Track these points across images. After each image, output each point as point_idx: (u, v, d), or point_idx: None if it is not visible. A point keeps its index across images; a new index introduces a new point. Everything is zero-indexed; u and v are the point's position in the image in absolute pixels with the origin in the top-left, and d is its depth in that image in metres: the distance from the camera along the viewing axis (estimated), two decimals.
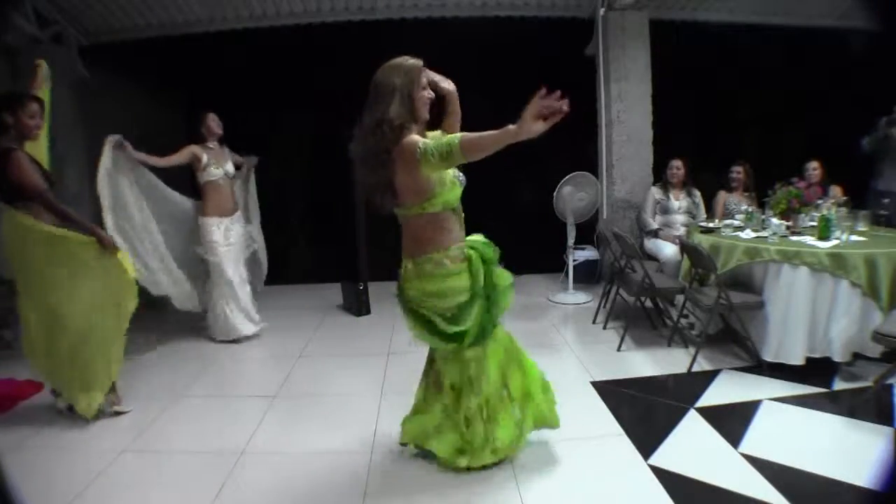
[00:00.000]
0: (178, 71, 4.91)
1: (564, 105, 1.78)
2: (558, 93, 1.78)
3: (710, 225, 4.35)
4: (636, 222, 5.44)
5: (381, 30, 5.86)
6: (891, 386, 3.18)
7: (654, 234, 5.00)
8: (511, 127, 1.82)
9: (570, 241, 5.50)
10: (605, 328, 4.54)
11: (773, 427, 2.92)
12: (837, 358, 3.35)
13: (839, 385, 3.35)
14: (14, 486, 1.71)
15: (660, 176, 5.33)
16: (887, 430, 2.82)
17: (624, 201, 5.76)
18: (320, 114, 5.65)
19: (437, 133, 2.35)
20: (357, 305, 5.15)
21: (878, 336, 2.93)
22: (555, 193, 5.38)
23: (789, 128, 5.81)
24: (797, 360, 3.39)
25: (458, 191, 2.26)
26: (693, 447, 2.75)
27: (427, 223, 2.20)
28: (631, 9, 5.52)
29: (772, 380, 3.41)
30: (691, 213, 5.06)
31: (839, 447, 2.73)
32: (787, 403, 3.15)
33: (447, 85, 2.41)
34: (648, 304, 4.53)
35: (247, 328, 4.56)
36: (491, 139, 1.87)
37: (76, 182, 5.80)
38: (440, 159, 1.93)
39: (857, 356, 3.41)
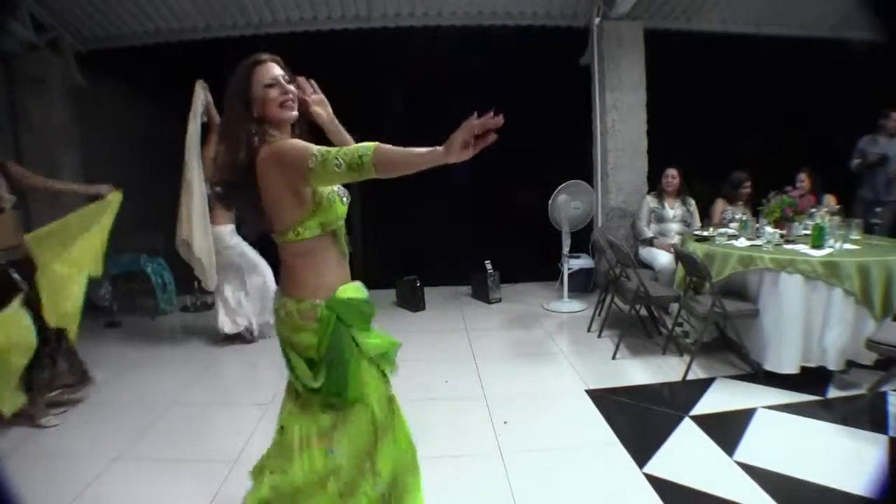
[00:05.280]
0: (175, 78, 4.92)
1: (498, 121, 1.38)
2: (491, 113, 1.39)
3: (705, 233, 4.36)
4: (631, 231, 5.46)
5: (378, 38, 5.89)
6: (884, 394, 3.19)
7: (649, 242, 5.01)
8: (438, 149, 1.44)
9: (565, 249, 5.51)
10: (599, 336, 4.54)
11: (768, 435, 2.93)
12: (832, 366, 3.35)
13: (833, 393, 3.36)
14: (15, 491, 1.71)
15: (654, 185, 5.36)
16: (881, 437, 2.83)
17: (619, 210, 5.78)
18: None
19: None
20: None
21: (871, 344, 2.94)
22: (550, 202, 5.39)
23: (784, 137, 5.85)
24: (792, 368, 3.40)
25: (342, 209, 1.73)
26: (688, 455, 2.75)
27: (299, 255, 1.69)
28: (626, 18, 5.56)
29: (766, 388, 3.42)
30: (686, 222, 5.07)
31: (833, 455, 2.73)
32: (781, 411, 3.15)
33: (318, 109, 1.87)
34: (643, 312, 4.54)
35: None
36: (412, 157, 1.47)
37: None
38: (348, 169, 1.47)
39: (850, 364, 3.42)
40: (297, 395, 1.82)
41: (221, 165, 1.69)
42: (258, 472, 1.94)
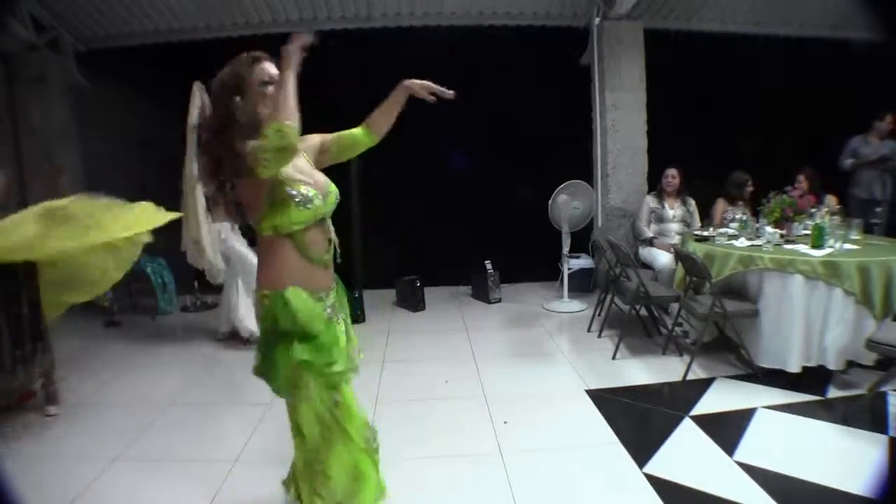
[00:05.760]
0: (175, 78, 4.92)
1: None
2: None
3: (705, 233, 4.36)
4: (631, 231, 5.46)
5: (378, 38, 5.89)
6: (885, 394, 3.19)
7: (649, 242, 5.00)
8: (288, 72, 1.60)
9: (565, 249, 5.51)
10: (599, 336, 4.54)
11: (768, 435, 2.92)
12: (832, 366, 3.35)
13: (833, 393, 3.36)
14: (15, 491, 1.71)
15: (654, 184, 5.36)
16: (881, 437, 2.83)
17: (619, 210, 5.78)
18: (315, 121, 5.67)
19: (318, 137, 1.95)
20: (352, 313, 5.13)
21: (871, 344, 2.94)
22: (550, 202, 5.39)
23: (784, 136, 5.85)
24: (792, 367, 3.39)
25: (298, 215, 1.69)
26: (688, 455, 2.75)
27: (262, 249, 1.77)
28: (626, 18, 5.57)
29: (766, 388, 3.42)
30: (686, 222, 5.07)
31: (833, 455, 2.72)
32: (781, 411, 3.15)
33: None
34: (643, 312, 4.54)
35: None
36: (289, 86, 1.59)
37: (72, 191, 5.77)
38: (276, 152, 1.54)
39: (850, 364, 3.42)
40: None
41: (206, 155, 1.73)
42: None
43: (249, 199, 1.71)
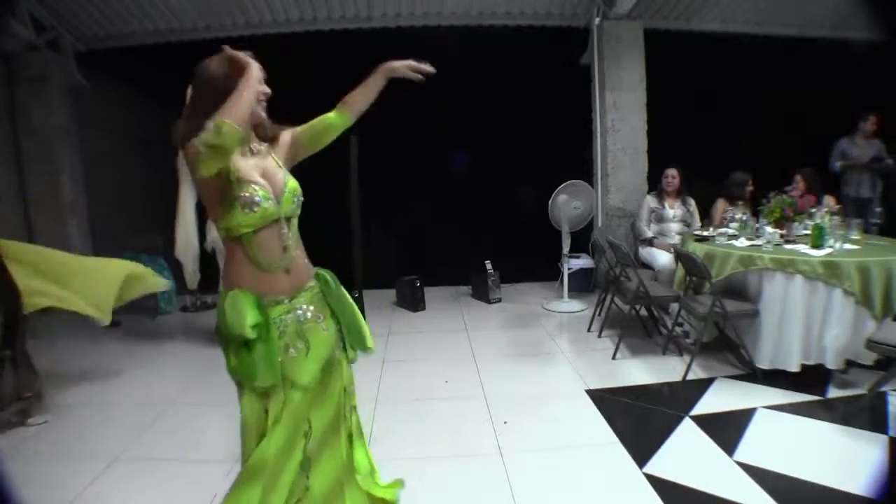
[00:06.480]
0: (174, 78, 4.92)
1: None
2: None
3: (705, 233, 4.36)
4: (631, 231, 5.46)
5: (378, 38, 5.89)
6: (885, 394, 3.19)
7: (649, 242, 5.00)
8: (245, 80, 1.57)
9: (565, 249, 5.51)
10: (599, 336, 4.54)
11: (768, 435, 2.92)
12: (831, 365, 3.35)
13: (833, 393, 3.35)
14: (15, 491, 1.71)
15: (654, 184, 5.36)
16: (881, 437, 2.83)
17: (619, 210, 5.78)
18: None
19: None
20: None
21: (871, 344, 2.94)
22: (550, 202, 5.39)
23: (784, 136, 5.85)
24: (791, 367, 3.40)
25: (244, 218, 1.62)
26: (688, 455, 2.75)
27: (226, 249, 1.74)
28: (626, 18, 5.57)
29: (766, 388, 3.42)
30: (686, 222, 5.07)
31: (833, 455, 2.73)
32: (781, 411, 3.15)
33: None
34: (643, 312, 4.54)
35: None
36: (241, 94, 1.55)
37: (72, 191, 5.79)
38: (207, 146, 1.47)
39: (850, 364, 3.42)
40: None
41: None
42: None
43: (206, 198, 1.64)
